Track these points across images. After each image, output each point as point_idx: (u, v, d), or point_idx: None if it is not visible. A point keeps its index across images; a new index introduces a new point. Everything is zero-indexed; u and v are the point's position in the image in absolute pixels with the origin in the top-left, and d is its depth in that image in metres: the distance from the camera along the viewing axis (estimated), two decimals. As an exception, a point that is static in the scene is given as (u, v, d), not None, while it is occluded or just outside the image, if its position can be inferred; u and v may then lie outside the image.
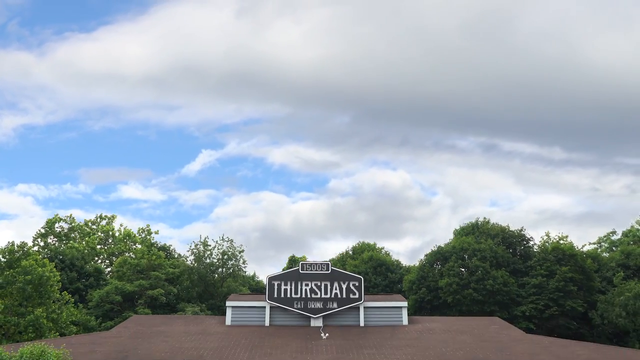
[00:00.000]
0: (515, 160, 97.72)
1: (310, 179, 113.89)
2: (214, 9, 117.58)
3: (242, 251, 50.46)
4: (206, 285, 48.92)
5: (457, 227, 55.06)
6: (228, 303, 28.60)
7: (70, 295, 40.37)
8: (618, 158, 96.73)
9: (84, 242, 59.47)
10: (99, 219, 63.47)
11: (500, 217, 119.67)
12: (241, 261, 50.36)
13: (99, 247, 60.56)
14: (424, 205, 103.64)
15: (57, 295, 37.60)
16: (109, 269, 56.29)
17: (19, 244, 38.16)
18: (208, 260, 49.34)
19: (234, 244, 50.16)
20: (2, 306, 33.26)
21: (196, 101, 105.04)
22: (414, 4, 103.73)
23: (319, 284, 28.03)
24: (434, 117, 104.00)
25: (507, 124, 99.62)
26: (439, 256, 48.05)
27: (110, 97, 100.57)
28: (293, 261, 53.71)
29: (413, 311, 43.94)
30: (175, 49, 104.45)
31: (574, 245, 48.53)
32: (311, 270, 28.37)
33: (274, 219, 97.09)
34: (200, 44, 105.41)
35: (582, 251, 48.50)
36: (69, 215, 61.37)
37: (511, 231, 50.23)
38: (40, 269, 35.74)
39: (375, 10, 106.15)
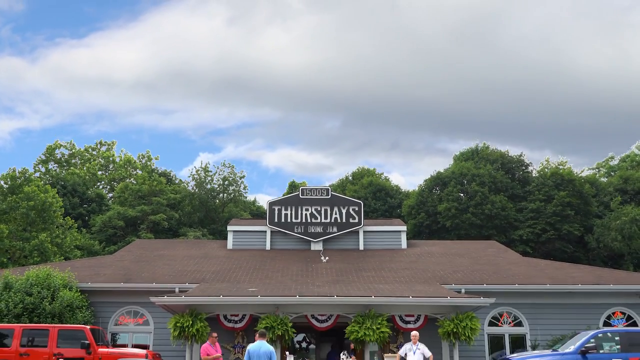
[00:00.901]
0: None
1: (304, 181, 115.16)
2: (205, 17, 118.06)
3: (243, 177, 50.83)
4: (207, 210, 49.44)
5: (457, 153, 55.25)
6: (229, 227, 28.97)
7: (74, 221, 40.88)
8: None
9: (84, 168, 59.61)
10: (99, 145, 63.39)
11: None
12: (242, 187, 50.79)
13: (99, 173, 60.74)
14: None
15: (60, 220, 38.06)
16: (110, 195, 56.69)
17: (20, 170, 38.36)
18: (209, 186, 49.69)
19: (235, 170, 50.47)
20: (7, 231, 33.73)
21: (189, 106, 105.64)
22: (402, 9, 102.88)
23: (319, 208, 28.31)
24: (423, 121, 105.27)
25: (497, 127, 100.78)
26: (438, 181, 48.34)
27: (105, 102, 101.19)
28: (293, 187, 54.00)
29: (412, 235, 44.50)
30: (166, 54, 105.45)
31: (573, 170, 48.79)
32: (311, 196, 28.61)
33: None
34: (191, 50, 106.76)
35: (581, 176, 48.74)
36: (69, 141, 61.34)
37: (510, 157, 50.34)
38: (42, 194, 36.06)
39: (364, 16, 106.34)
